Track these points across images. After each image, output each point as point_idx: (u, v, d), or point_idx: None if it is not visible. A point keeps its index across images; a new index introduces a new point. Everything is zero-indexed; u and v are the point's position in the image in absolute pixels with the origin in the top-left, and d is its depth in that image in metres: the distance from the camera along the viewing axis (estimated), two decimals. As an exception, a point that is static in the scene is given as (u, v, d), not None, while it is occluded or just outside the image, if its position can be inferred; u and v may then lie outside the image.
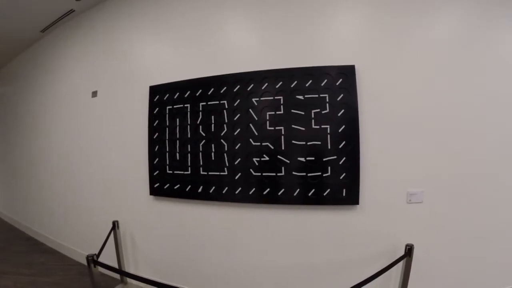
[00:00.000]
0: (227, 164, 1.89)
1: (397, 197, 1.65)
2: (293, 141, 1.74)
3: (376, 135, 1.67)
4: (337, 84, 1.69)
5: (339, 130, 1.67)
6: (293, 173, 1.73)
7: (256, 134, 1.82)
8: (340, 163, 1.66)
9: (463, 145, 1.59)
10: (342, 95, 1.68)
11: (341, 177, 1.66)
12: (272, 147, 1.78)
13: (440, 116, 1.61)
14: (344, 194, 1.66)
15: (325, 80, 1.70)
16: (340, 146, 1.67)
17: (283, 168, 1.75)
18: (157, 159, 2.15)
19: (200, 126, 1.99)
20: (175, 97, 2.09)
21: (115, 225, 2.30)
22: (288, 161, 1.74)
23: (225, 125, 1.90)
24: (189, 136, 2.02)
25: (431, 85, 1.62)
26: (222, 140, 1.91)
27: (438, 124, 1.61)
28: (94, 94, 2.68)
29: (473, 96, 1.58)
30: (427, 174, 1.63)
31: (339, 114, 1.68)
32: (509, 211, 1.59)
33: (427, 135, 1.62)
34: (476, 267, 1.60)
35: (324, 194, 1.68)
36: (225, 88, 1.91)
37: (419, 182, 1.63)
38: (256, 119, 1.82)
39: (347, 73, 1.67)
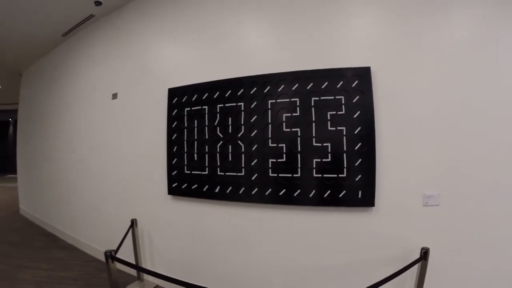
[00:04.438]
0: (243, 165, 1.92)
1: (413, 200, 1.64)
2: (309, 143, 1.76)
3: (392, 137, 1.67)
4: (353, 86, 1.70)
5: (355, 132, 1.68)
6: (309, 174, 1.75)
7: (273, 135, 1.85)
8: (356, 164, 1.67)
9: (483, 147, 1.55)
10: (358, 96, 1.69)
11: (356, 179, 1.67)
12: (289, 149, 1.80)
13: (457, 117, 1.59)
14: (359, 196, 1.67)
15: (341, 82, 1.72)
16: (356, 148, 1.68)
17: (299, 169, 1.77)
18: (175, 160, 2.21)
19: (218, 128, 2.03)
20: (193, 99, 2.14)
21: (133, 223, 2.37)
22: (304, 163, 1.76)
23: (242, 127, 1.94)
24: (207, 137, 2.08)
25: (448, 86, 1.60)
26: (239, 141, 1.95)
27: (456, 126, 1.59)
28: (114, 96, 2.77)
29: (493, 97, 1.55)
30: (444, 176, 1.59)
31: (355, 116, 1.69)
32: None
33: (445, 137, 1.60)
34: (494, 274, 1.55)
35: (340, 195, 1.69)
36: (242, 90, 1.95)
37: (436, 184, 1.61)
38: (273, 121, 1.86)
39: (363, 74, 1.68)
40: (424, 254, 1.54)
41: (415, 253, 1.59)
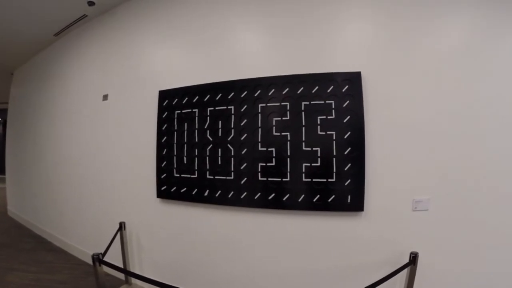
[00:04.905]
0: (233, 169, 1.91)
1: (403, 205, 1.64)
2: (298, 147, 1.75)
3: (382, 142, 1.67)
4: (343, 90, 1.70)
5: (345, 137, 1.68)
6: (298, 178, 1.74)
7: (262, 139, 1.84)
8: (345, 169, 1.67)
9: (472, 152, 1.56)
10: (348, 101, 1.69)
11: (346, 184, 1.67)
12: (278, 153, 1.80)
13: (447, 122, 1.59)
14: (349, 201, 1.66)
15: (331, 87, 1.72)
16: (345, 153, 1.67)
17: (288, 173, 1.76)
18: (164, 163, 2.19)
19: (208, 131, 2.02)
20: (183, 101, 2.13)
21: (121, 226, 2.34)
22: (294, 167, 1.76)
23: (232, 130, 1.94)
24: (196, 140, 2.06)
25: (438, 92, 1.62)
26: (228, 145, 1.94)
27: (446, 131, 1.59)
28: (105, 97, 2.74)
29: (482, 103, 1.56)
30: (433, 181, 1.60)
31: (344, 121, 1.69)
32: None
33: (434, 142, 1.60)
34: (483, 278, 1.56)
35: (329, 200, 1.69)
36: (232, 93, 1.95)
37: (426, 189, 1.62)
38: (263, 124, 1.85)
39: (353, 79, 1.69)
40: (413, 259, 1.54)
41: (405, 258, 1.59)
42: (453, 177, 1.58)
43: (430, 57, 1.64)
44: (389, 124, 1.67)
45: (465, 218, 1.57)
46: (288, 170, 1.77)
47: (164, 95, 2.24)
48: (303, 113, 1.76)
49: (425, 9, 1.65)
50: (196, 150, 2.06)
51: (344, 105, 1.70)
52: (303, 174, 1.74)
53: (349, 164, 1.67)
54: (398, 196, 1.65)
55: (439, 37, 1.63)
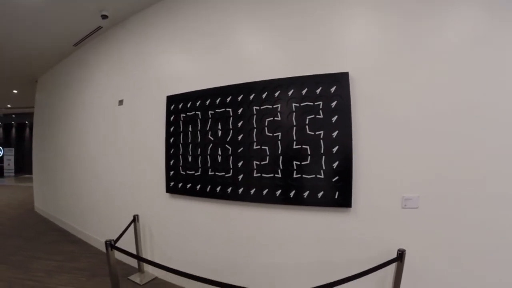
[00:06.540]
0: (231, 166, 2.09)
1: (392, 202, 1.64)
2: (289, 146, 1.88)
3: (370, 140, 1.70)
4: (332, 91, 1.78)
5: (333, 135, 1.76)
6: (289, 175, 1.87)
7: (257, 139, 2.00)
8: (334, 167, 1.75)
9: (463, 149, 1.52)
10: (336, 101, 1.76)
11: (333, 180, 1.76)
12: (271, 151, 1.94)
13: (437, 119, 1.57)
14: (336, 197, 1.75)
15: (320, 88, 1.81)
16: (334, 151, 1.76)
17: (279, 170, 1.91)
18: (172, 161, 2.41)
19: (209, 132, 2.21)
20: (188, 105, 2.33)
21: (135, 219, 2.56)
22: (285, 164, 1.89)
23: (230, 131, 2.11)
24: (199, 140, 2.26)
25: (427, 88, 1.60)
26: (227, 145, 2.12)
27: (436, 128, 1.57)
28: (121, 102, 3.01)
29: (473, 100, 1.52)
30: (424, 179, 1.59)
31: (333, 120, 1.77)
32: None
33: (424, 139, 1.59)
34: (472, 278, 1.51)
35: (319, 196, 1.79)
36: (230, 97, 2.12)
37: (415, 187, 1.60)
38: (257, 125, 2.01)
39: (341, 80, 1.75)
40: (400, 255, 1.53)
41: (393, 255, 1.57)
42: (444, 175, 1.55)
43: (419, 56, 1.62)
44: (378, 122, 1.69)
45: (455, 217, 1.53)
46: (280, 167, 1.90)
47: (171, 99, 2.45)
48: (293, 114, 1.89)
49: (415, 8, 1.63)
50: (199, 149, 2.25)
51: (333, 106, 1.77)
52: (294, 171, 1.86)
53: (337, 162, 1.75)
54: (387, 193, 1.66)
55: (432, 36, 1.60)
